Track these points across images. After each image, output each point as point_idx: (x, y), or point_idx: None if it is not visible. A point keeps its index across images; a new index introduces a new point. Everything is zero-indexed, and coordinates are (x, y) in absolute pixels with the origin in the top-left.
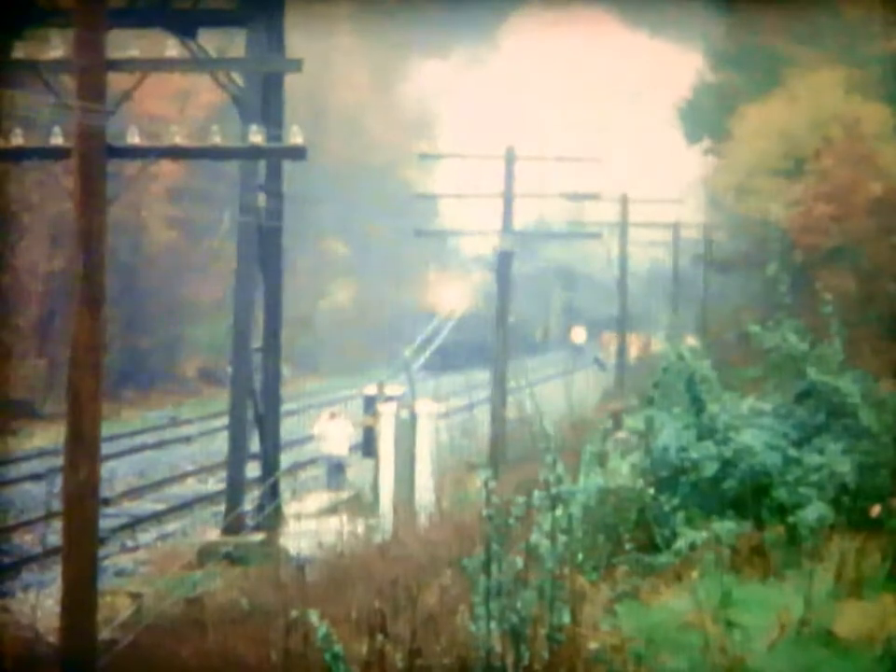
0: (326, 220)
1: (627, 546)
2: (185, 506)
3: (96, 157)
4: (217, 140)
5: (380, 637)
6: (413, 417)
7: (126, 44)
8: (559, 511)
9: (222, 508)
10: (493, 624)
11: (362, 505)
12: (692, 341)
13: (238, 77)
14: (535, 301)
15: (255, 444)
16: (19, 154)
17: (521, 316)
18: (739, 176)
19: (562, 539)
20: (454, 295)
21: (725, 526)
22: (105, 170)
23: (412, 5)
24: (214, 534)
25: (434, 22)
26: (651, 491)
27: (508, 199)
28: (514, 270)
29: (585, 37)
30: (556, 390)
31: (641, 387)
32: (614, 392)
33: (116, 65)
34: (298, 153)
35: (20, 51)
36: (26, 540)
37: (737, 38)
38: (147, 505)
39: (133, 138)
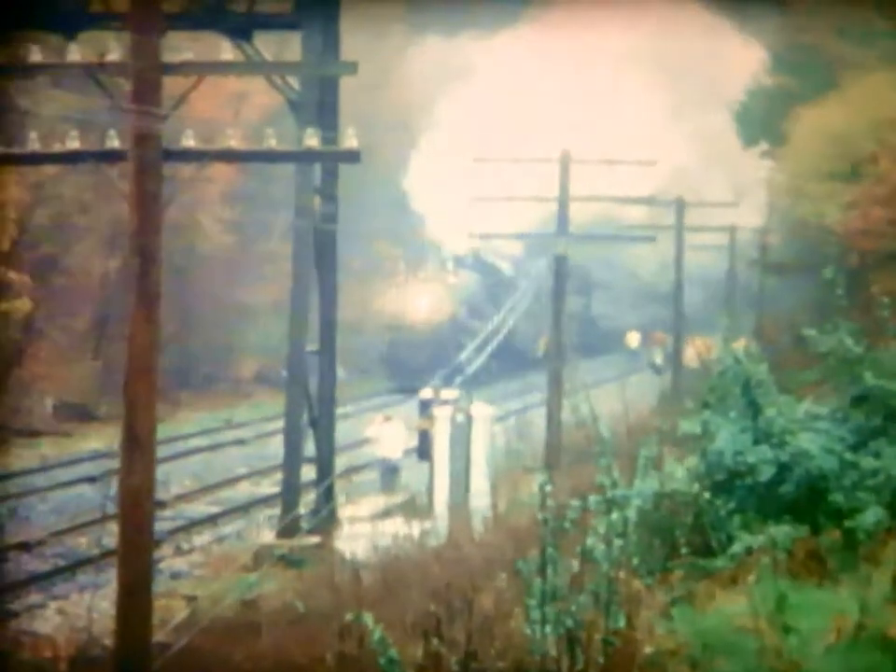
0: (378, 223)
1: (683, 550)
2: (240, 509)
3: (151, 160)
4: (271, 143)
5: (435, 640)
6: (469, 420)
7: (181, 47)
8: (615, 515)
9: (277, 511)
10: (548, 628)
11: (417, 508)
12: (747, 344)
13: (293, 80)
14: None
15: (310, 448)
16: (75, 157)
17: (521, 327)
18: (795, 180)
19: (617, 542)
20: (428, 301)
21: (781, 531)
22: (161, 173)
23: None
24: (269, 537)
25: (485, 21)
26: (707, 495)
27: (563, 202)
28: (517, 274)
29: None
30: (611, 394)
31: (697, 391)
32: (670, 396)
33: (171, 69)
34: (352, 156)
35: (75, 54)
36: (81, 543)
37: (793, 41)
38: (202, 508)
39: (188, 141)
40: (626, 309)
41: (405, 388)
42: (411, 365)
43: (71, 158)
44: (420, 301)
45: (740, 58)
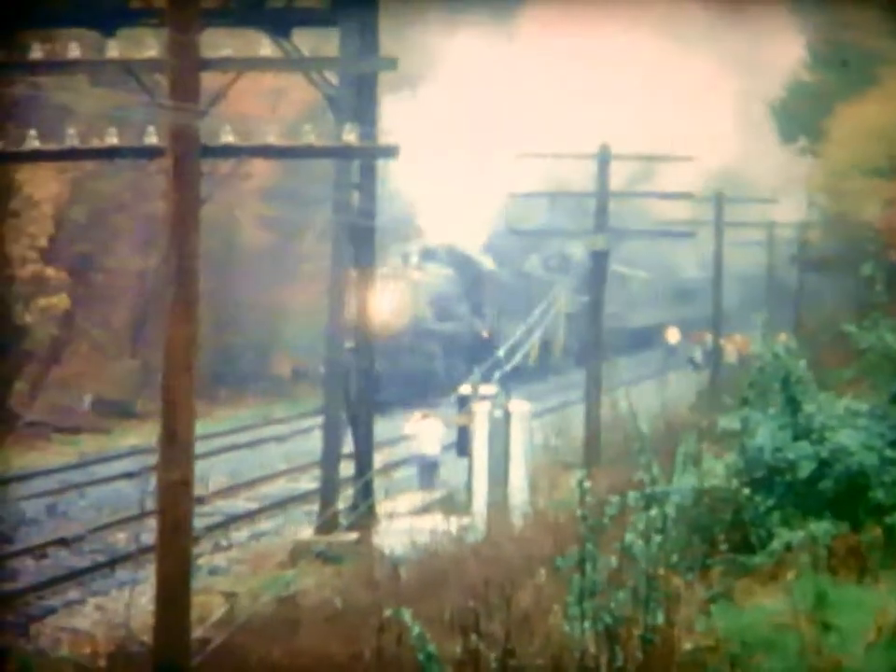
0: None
1: (722, 547)
2: (278, 505)
3: (190, 156)
4: (310, 139)
5: (473, 636)
6: (507, 416)
7: (219, 43)
8: (654, 512)
9: (315, 507)
10: (587, 625)
11: (455, 504)
12: (787, 341)
13: (332, 76)
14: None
15: (348, 444)
16: (113, 153)
17: (500, 327)
18: (834, 176)
19: (656, 539)
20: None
21: (821, 527)
22: (199, 169)
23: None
24: (307, 533)
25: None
26: (747, 491)
27: (602, 197)
28: (508, 269)
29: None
30: (650, 390)
31: (736, 388)
32: (709, 392)
33: (209, 65)
34: (390, 152)
35: (114, 51)
36: (120, 539)
37: (832, 37)
38: (240, 504)
39: (227, 137)
40: (664, 305)
41: None
42: None
43: (109, 154)
44: (376, 301)
45: (779, 53)
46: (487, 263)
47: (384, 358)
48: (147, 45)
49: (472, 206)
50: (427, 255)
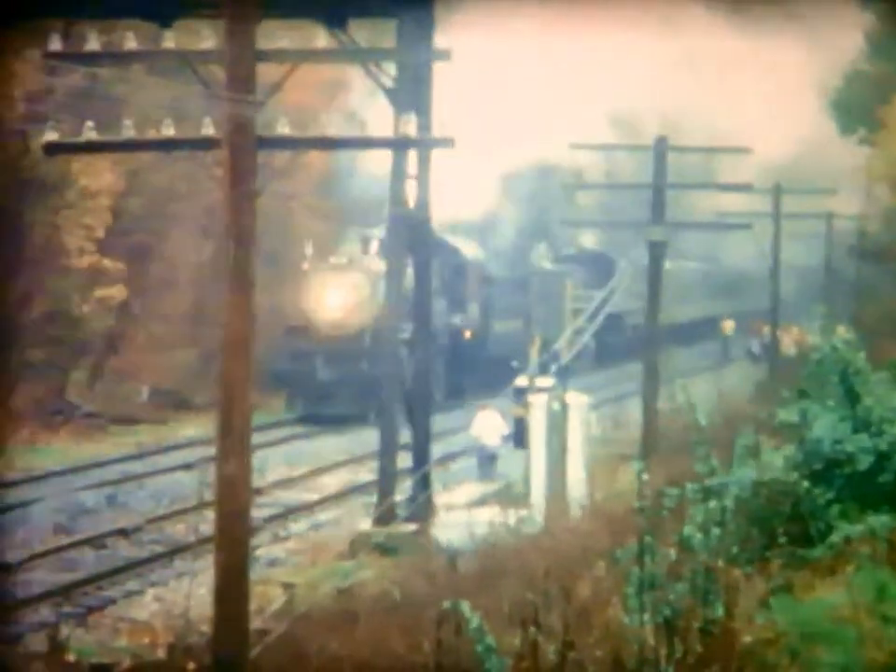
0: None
1: (781, 539)
2: (336, 496)
3: (246, 147)
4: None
5: (532, 629)
6: (565, 408)
7: (276, 35)
8: (712, 504)
9: (373, 498)
10: (646, 617)
11: (513, 496)
12: (845, 332)
13: (388, 67)
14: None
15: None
16: (169, 144)
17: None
18: (894, 166)
19: (715, 531)
20: (339, 296)
21: (880, 520)
22: (255, 160)
23: None
24: (365, 524)
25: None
26: (806, 484)
27: (658, 189)
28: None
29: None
30: (707, 382)
31: (794, 380)
32: (767, 384)
33: (266, 56)
34: (447, 143)
35: (170, 42)
36: (178, 530)
37: (891, 26)
38: (298, 495)
39: (283, 129)
40: (721, 297)
41: (312, 419)
42: (315, 388)
43: (165, 146)
44: (328, 296)
45: (837, 44)
46: (471, 251)
47: (330, 366)
48: (204, 36)
49: (459, 190)
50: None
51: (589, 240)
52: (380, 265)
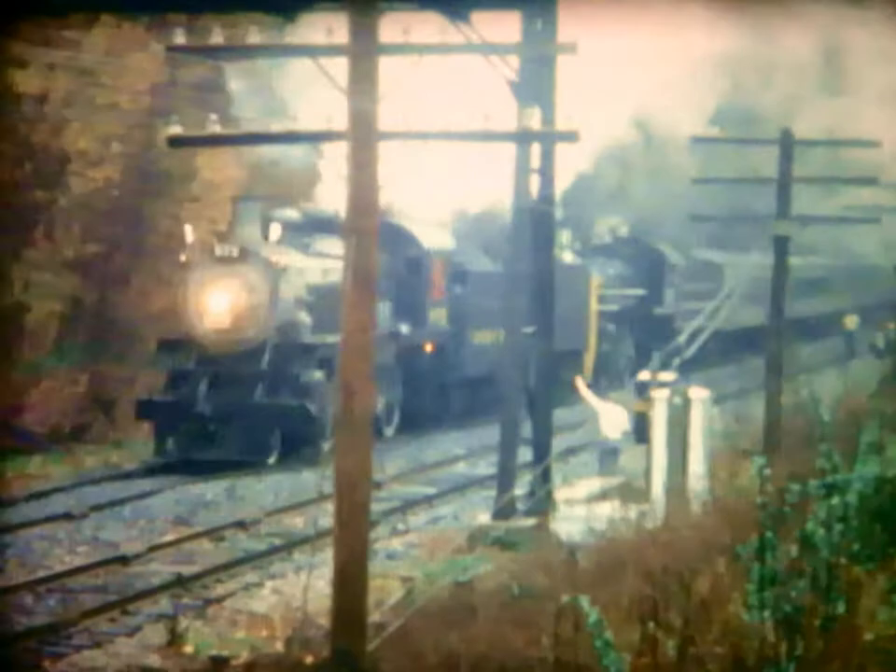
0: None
1: None
2: (455, 490)
3: (368, 141)
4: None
5: (651, 624)
6: (686, 403)
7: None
8: (835, 500)
9: (493, 492)
10: (766, 613)
11: (632, 491)
12: None
13: (512, 61)
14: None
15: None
16: (292, 137)
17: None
18: None
19: (838, 528)
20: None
21: None
22: (377, 153)
23: None
24: (484, 518)
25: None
26: None
27: (784, 183)
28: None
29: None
30: (831, 377)
31: None
32: (891, 380)
33: (389, 50)
34: (570, 136)
35: (293, 36)
36: (297, 523)
37: None
38: (417, 489)
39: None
40: (844, 291)
41: (187, 460)
42: (194, 424)
43: (288, 139)
44: (213, 298)
45: None
46: (436, 240)
47: (216, 393)
48: (328, 30)
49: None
50: (315, 226)
51: (624, 227)
52: (285, 259)
